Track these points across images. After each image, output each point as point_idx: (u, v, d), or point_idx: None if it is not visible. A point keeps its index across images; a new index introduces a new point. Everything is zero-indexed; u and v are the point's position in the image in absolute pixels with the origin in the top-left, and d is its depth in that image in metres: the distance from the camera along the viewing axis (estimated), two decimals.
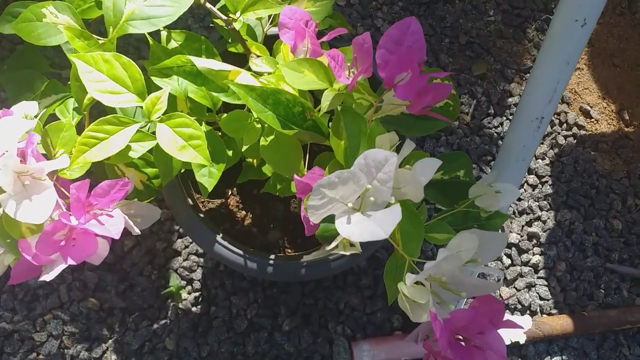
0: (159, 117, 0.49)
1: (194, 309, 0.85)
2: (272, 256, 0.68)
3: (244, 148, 0.52)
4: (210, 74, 0.49)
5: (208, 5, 0.56)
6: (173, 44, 0.58)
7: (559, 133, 1.03)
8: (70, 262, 0.46)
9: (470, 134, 1.01)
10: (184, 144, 0.49)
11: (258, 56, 0.58)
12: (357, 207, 0.37)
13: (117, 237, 0.46)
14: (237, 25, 0.56)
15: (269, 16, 0.65)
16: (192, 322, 0.84)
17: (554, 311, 0.91)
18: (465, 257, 0.36)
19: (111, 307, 0.84)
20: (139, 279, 0.85)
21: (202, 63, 0.49)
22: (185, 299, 0.85)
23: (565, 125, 1.04)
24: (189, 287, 0.86)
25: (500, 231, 0.53)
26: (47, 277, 0.45)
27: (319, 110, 0.48)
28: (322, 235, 0.46)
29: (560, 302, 0.92)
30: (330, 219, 0.46)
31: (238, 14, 0.56)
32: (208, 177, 0.53)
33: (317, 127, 0.48)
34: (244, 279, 0.87)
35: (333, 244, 0.39)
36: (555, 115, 1.05)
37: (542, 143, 1.02)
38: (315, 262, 0.66)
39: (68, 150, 0.51)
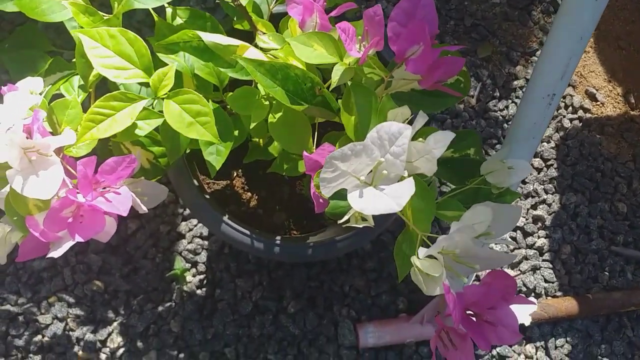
0: (166, 93, 0.48)
1: (198, 291, 0.85)
2: (278, 237, 0.68)
3: (252, 125, 0.51)
4: (217, 49, 0.48)
5: None
6: (178, 21, 0.57)
7: (564, 116, 1.02)
8: (78, 239, 0.45)
9: (475, 117, 1.00)
10: (192, 121, 0.48)
11: (264, 33, 0.57)
12: (369, 181, 0.36)
13: (125, 214, 0.45)
14: (243, 2, 0.55)
15: None
16: (197, 304, 0.84)
17: (558, 294, 0.91)
18: (479, 229, 0.35)
19: (115, 290, 0.83)
20: (143, 261, 0.85)
21: (210, 38, 0.48)
22: (189, 282, 0.85)
23: (570, 108, 1.03)
24: (194, 270, 0.86)
25: None
26: (55, 253, 0.45)
27: (328, 87, 0.47)
28: (331, 212, 0.46)
29: (565, 284, 0.92)
30: (340, 196, 0.46)
31: None
32: (216, 155, 0.53)
33: (326, 102, 0.47)
34: (249, 262, 0.87)
35: (345, 218, 0.39)
36: (561, 98, 1.04)
37: (548, 126, 1.02)
38: (322, 242, 0.65)
39: (74, 127, 0.50)
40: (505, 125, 1.01)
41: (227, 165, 0.77)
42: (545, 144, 1.00)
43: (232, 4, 0.55)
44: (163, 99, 0.48)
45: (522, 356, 0.88)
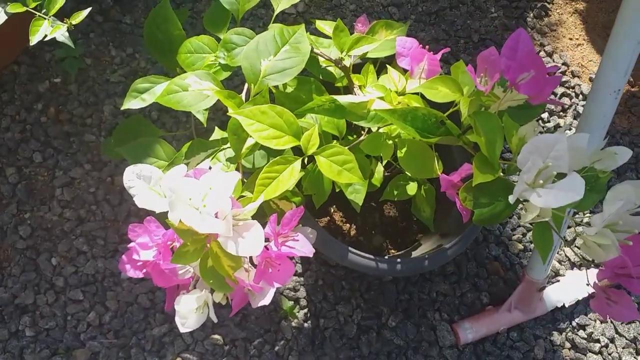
0: (315, 150, 0.57)
1: (305, 324, 0.92)
2: (387, 257, 0.77)
3: (384, 162, 0.60)
4: (351, 106, 0.57)
5: (316, 50, 0.65)
6: (289, 89, 0.66)
7: (577, 104, 1.15)
8: (276, 285, 0.53)
9: None
10: (340, 169, 0.57)
11: (360, 86, 0.67)
12: (532, 184, 0.46)
13: (311, 254, 0.54)
14: (346, 63, 0.65)
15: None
16: (308, 336, 0.91)
17: None
18: (635, 202, 0.45)
19: (233, 339, 0.90)
20: (251, 307, 0.92)
21: (344, 99, 0.57)
22: (296, 317, 0.92)
23: (581, 96, 1.16)
24: (297, 306, 0.93)
25: None
26: (264, 301, 0.53)
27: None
28: (478, 219, 0.55)
29: None
30: (480, 205, 0.55)
31: (344, 52, 0.65)
32: (356, 193, 0.62)
33: (449, 132, 0.57)
34: (343, 288, 0.94)
35: (529, 218, 0.48)
36: (571, 89, 1.17)
37: (566, 115, 1.14)
38: (435, 253, 0.74)
39: (237, 194, 0.58)
40: None
41: (326, 204, 0.86)
42: (567, 132, 1.12)
43: (337, 67, 0.65)
44: (313, 155, 0.57)
45: (598, 322, 0.98)
